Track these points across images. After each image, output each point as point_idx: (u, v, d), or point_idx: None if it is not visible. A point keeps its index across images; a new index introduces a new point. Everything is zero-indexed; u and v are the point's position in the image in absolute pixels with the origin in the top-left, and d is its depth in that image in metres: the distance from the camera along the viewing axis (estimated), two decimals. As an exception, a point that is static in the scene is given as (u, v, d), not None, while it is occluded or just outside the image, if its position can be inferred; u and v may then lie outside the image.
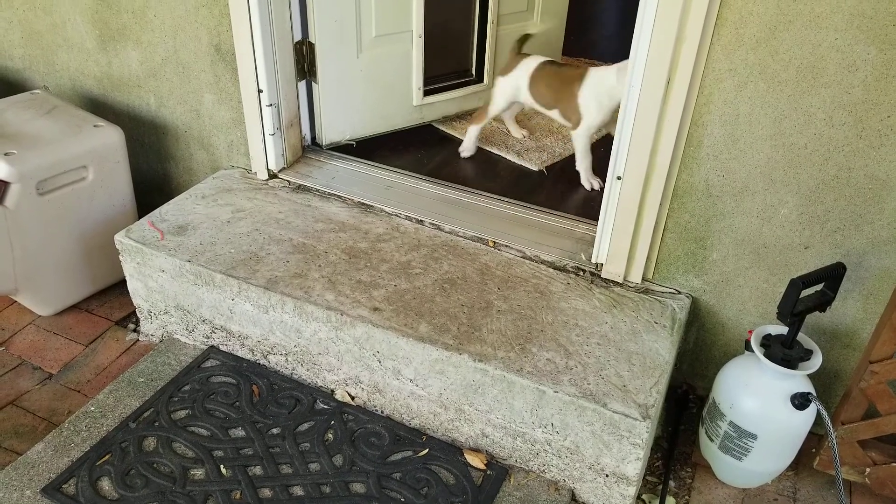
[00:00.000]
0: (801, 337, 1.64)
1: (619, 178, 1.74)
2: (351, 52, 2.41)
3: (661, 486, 1.79)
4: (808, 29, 1.44)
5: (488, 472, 1.72)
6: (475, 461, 1.74)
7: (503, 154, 2.64)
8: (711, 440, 1.75)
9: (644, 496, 1.76)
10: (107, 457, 1.72)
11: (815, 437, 1.79)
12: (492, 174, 2.52)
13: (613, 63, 2.61)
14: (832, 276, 1.55)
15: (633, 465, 1.58)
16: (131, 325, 2.24)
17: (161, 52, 2.31)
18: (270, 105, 2.18)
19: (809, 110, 1.52)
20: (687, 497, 1.77)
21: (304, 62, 2.31)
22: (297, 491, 1.65)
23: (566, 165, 2.55)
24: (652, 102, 1.61)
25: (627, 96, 1.65)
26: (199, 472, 1.68)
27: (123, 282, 2.25)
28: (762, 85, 1.53)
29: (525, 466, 1.74)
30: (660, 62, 1.55)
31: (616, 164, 1.74)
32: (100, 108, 2.54)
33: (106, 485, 1.65)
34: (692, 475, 1.83)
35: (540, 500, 1.67)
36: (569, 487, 1.71)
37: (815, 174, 1.58)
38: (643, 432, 1.53)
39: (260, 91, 2.16)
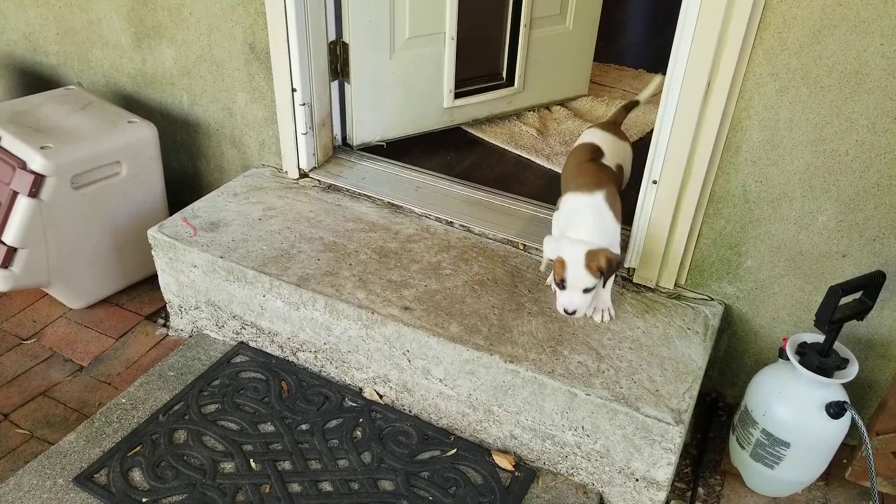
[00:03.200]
0: (837, 346, 1.62)
1: (654, 182, 1.73)
2: (384, 53, 2.42)
3: (689, 493, 1.77)
4: (852, 34, 1.43)
5: (516, 473, 1.72)
6: (503, 462, 1.74)
7: (533, 158, 2.64)
8: (742, 448, 1.73)
9: (673, 502, 1.75)
10: (137, 448, 1.73)
11: (847, 448, 1.77)
12: (522, 178, 2.52)
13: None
14: (871, 284, 1.53)
15: (665, 469, 1.57)
16: (161, 320, 2.26)
17: (195, 50, 2.33)
18: (303, 104, 2.20)
19: (852, 116, 1.50)
20: (716, 504, 1.76)
21: (338, 62, 2.33)
22: (326, 487, 1.65)
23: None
24: (691, 106, 1.60)
25: (666, 100, 1.64)
26: (228, 466, 1.69)
27: (153, 277, 2.28)
28: (804, 90, 1.52)
29: (553, 469, 1.73)
30: (700, 65, 1.55)
31: (652, 168, 1.73)
32: (133, 105, 2.57)
33: (137, 476, 1.67)
34: (721, 482, 1.81)
35: (568, 503, 1.66)
36: (597, 491, 1.70)
37: (855, 181, 1.56)
38: (676, 437, 1.52)
39: (293, 90, 2.17)
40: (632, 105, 2.26)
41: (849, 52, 1.45)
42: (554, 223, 1.82)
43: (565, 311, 1.66)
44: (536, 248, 2.01)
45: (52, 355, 2.12)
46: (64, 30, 2.57)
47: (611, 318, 1.77)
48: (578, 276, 1.61)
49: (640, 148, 2.66)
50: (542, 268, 1.76)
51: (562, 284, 1.64)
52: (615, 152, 1.95)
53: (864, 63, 1.45)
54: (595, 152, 1.92)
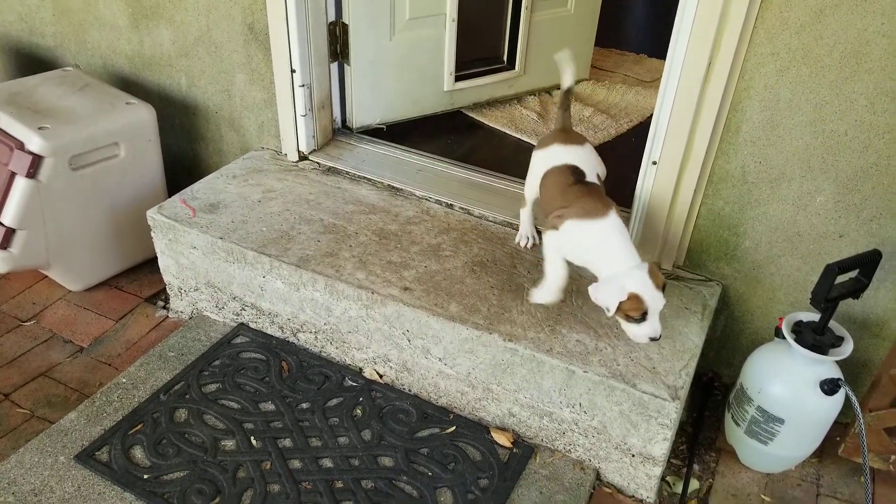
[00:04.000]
0: (833, 324, 1.64)
1: (654, 162, 1.74)
2: (384, 35, 2.42)
3: (685, 469, 1.80)
4: (854, 13, 1.43)
5: (514, 450, 1.73)
6: (502, 439, 1.75)
7: (533, 142, 2.65)
8: (738, 424, 1.76)
9: (668, 478, 1.77)
10: (139, 426, 1.74)
11: (840, 426, 1.79)
12: (522, 161, 2.51)
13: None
14: (868, 262, 1.55)
15: (661, 445, 1.59)
16: (160, 302, 2.26)
17: (194, 31, 2.32)
18: (303, 86, 2.20)
19: (851, 96, 1.51)
20: (711, 480, 1.78)
21: (337, 43, 2.32)
22: (327, 463, 1.67)
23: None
24: (691, 86, 1.61)
25: (667, 80, 1.65)
26: (229, 443, 1.71)
27: (151, 260, 2.28)
28: (804, 70, 1.53)
29: (551, 445, 1.75)
30: (701, 45, 1.55)
31: (652, 148, 1.74)
32: (130, 87, 2.56)
33: (138, 453, 1.68)
34: (716, 459, 1.84)
35: (565, 478, 1.68)
36: (594, 467, 1.72)
37: (853, 161, 1.58)
38: (672, 412, 1.53)
39: (293, 71, 2.17)
40: (567, 98, 1.89)
41: (850, 32, 1.46)
42: (551, 248, 1.65)
43: (652, 339, 1.54)
44: (536, 230, 2.02)
45: (51, 337, 2.12)
46: (60, 11, 2.55)
47: None
48: (657, 298, 1.51)
49: (641, 131, 2.66)
50: (610, 314, 1.53)
51: (643, 317, 1.51)
52: (590, 164, 1.73)
53: (864, 42, 1.45)
54: (576, 173, 1.69)
